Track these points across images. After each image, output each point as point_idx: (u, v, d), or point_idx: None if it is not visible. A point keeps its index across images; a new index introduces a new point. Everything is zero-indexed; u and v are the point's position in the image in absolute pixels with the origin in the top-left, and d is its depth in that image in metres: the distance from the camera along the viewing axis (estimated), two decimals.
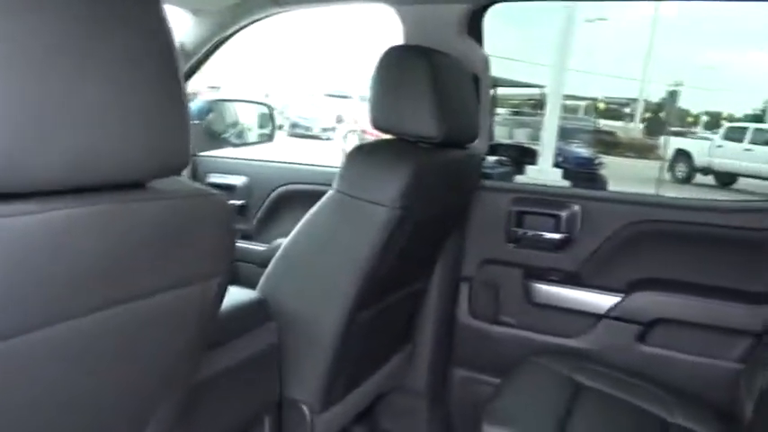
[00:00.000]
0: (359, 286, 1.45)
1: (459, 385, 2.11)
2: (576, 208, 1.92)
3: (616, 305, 1.85)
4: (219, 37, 2.24)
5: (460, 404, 2.11)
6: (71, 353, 0.69)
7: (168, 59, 0.70)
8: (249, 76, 24.17)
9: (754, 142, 14.66)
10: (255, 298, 1.36)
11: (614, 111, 25.81)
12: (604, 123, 21.76)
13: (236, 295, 1.31)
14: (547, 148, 10.14)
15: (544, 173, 9.28)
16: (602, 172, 11.56)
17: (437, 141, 1.51)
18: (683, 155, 15.75)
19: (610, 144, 18.89)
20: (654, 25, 20.13)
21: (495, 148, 8.01)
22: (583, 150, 12.32)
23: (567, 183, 8.32)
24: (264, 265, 1.57)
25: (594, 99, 18.43)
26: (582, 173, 10.71)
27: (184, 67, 2.24)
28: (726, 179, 15.21)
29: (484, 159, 2.01)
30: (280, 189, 2.41)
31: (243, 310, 1.30)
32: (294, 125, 20.03)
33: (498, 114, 13.82)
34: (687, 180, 15.55)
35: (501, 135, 12.55)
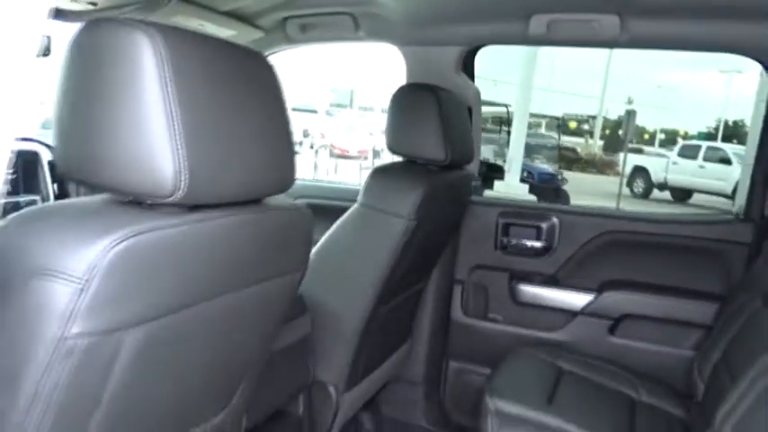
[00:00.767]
0: (380, 285, 1.72)
1: (453, 376, 2.38)
2: (555, 220, 2.23)
3: (590, 303, 2.16)
4: None
5: (454, 393, 2.39)
6: (214, 322, 0.95)
7: (281, 107, 0.97)
8: None
9: (707, 159, 15.40)
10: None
11: (574, 128, 26.66)
12: (565, 140, 22.47)
13: None
14: (514, 163, 10.53)
15: (512, 188, 9.64)
16: (565, 187, 12.02)
17: (443, 164, 1.80)
18: (640, 171, 16.40)
19: (571, 160, 19.54)
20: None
21: None
22: (546, 166, 12.79)
23: (533, 197, 8.71)
24: None
25: (557, 118, 19.07)
26: (546, 188, 11.15)
27: None
28: (681, 195, 15.91)
29: (475, 178, 2.30)
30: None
31: None
32: None
33: None
34: (645, 195, 16.19)
35: None
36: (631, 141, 15.49)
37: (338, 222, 1.77)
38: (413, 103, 1.77)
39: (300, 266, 1.12)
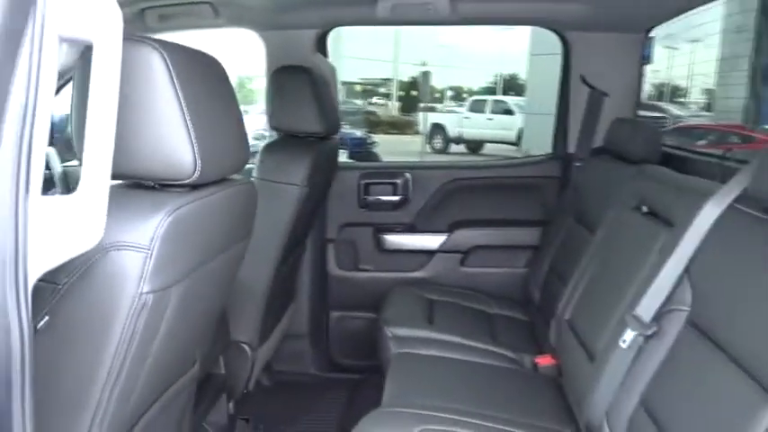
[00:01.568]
0: (281, 248, 1.95)
1: (335, 324, 2.68)
2: (408, 176, 2.60)
3: (444, 242, 2.57)
4: None
5: (337, 339, 2.69)
6: (220, 274, 1.16)
7: (236, 100, 1.18)
8: None
9: (494, 112, 17.12)
10: None
11: (371, 92, 27.76)
12: (365, 103, 23.37)
13: None
14: None
15: None
16: (376, 150, 12.71)
17: (321, 135, 2.05)
18: (438, 128, 17.69)
19: (374, 123, 20.46)
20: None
21: None
22: (356, 131, 13.38)
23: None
24: None
25: (352, 83, 19.78)
26: (360, 152, 11.73)
27: None
28: (474, 146, 17.53)
29: (338, 146, 2.59)
30: None
31: None
32: None
33: None
34: (444, 150, 17.56)
35: None
36: (428, 100, 16.64)
37: None
38: (290, 83, 1.99)
39: (250, 233, 1.34)
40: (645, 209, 1.61)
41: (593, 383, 1.42)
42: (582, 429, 1.49)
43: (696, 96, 25.55)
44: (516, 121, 15.85)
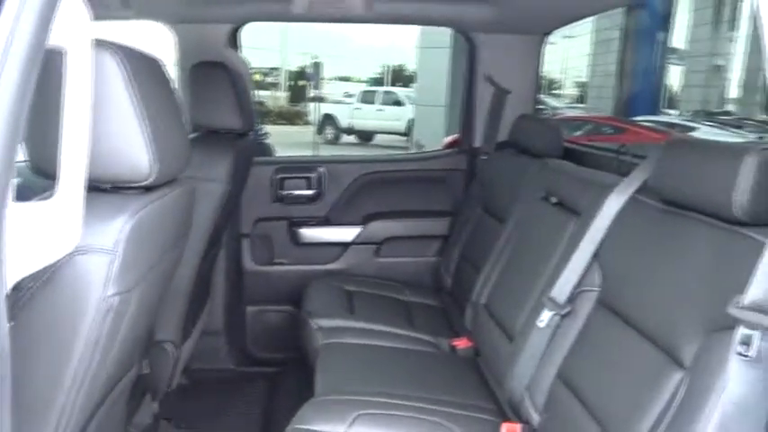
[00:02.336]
0: (205, 244, 1.94)
1: (251, 319, 2.69)
2: (323, 169, 2.64)
3: (359, 234, 2.65)
4: None
5: (254, 334, 2.70)
6: (163, 279, 1.16)
7: (176, 101, 1.19)
8: None
9: (383, 103, 17.39)
10: None
11: (258, 82, 27.27)
12: (254, 93, 22.87)
13: None
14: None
15: None
16: (268, 141, 12.52)
17: (241, 131, 2.06)
18: (329, 119, 17.73)
19: (263, 114, 20.11)
20: None
21: None
22: None
23: None
24: None
25: None
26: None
27: None
28: (365, 136, 17.73)
29: (255, 141, 2.58)
30: None
31: None
32: None
33: None
34: (335, 141, 17.63)
35: None
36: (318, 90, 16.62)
37: None
38: (209, 79, 1.98)
39: (189, 231, 1.35)
40: (554, 200, 1.77)
41: (514, 361, 1.56)
42: (503, 404, 1.63)
43: (570, 89, 27.25)
44: (406, 112, 16.21)
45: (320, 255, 2.66)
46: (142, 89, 0.99)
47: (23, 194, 0.76)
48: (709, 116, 18.04)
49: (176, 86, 1.98)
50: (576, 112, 17.82)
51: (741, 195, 1.03)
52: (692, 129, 12.38)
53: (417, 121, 13.74)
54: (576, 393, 1.33)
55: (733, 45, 25.55)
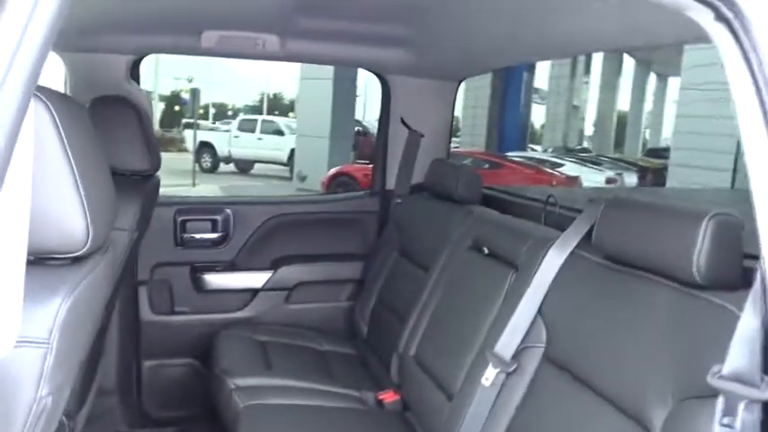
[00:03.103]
0: (111, 293, 1.73)
1: (148, 375, 2.44)
2: (229, 211, 2.49)
3: (268, 279, 2.50)
4: None
5: (152, 390, 2.45)
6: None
7: (100, 149, 1.04)
8: None
9: (263, 132, 17.11)
10: None
11: None
12: None
13: None
14: None
15: None
16: None
17: (148, 173, 1.88)
18: (206, 146, 17.17)
19: None
20: None
21: None
22: None
23: None
24: None
25: None
26: None
27: None
28: (245, 166, 17.33)
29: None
30: None
31: None
32: None
33: None
34: (213, 169, 17.07)
35: None
36: (191, 117, 16.05)
37: None
38: (113, 117, 1.79)
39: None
40: (486, 250, 1.75)
41: (456, 421, 1.50)
42: None
43: None
44: (287, 141, 16.05)
45: (226, 302, 2.49)
46: (75, 141, 0.84)
47: None
48: (570, 152, 19.53)
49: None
50: (452, 146, 18.50)
51: (701, 259, 1.05)
52: (560, 165, 13.30)
53: (299, 151, 13.62)
54: None
55: (587, 89, 27.97)
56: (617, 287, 1.26)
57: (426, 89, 2.46)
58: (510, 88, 19.66)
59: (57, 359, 0.75)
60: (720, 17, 0.80)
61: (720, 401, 0.90)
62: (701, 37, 0.86)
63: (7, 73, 0.60)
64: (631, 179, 14.53)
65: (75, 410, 1.74)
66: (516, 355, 1.42)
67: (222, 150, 17.25)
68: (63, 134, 0.81)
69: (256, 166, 17.39)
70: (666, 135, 30.47)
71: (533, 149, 20.65)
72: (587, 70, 27.02)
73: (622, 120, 29.13)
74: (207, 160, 17.18)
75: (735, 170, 12.02)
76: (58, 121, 0.81)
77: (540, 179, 10.58)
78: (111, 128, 1.79)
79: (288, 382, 1.95)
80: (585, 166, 14.28)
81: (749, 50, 0.78)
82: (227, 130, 18.29)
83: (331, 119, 12.61)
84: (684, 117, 13.58)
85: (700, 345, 1.02)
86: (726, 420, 0.89)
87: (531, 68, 20.91)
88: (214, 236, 2.48)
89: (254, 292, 2.51)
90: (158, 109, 27.40)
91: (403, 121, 2.49)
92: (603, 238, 1.30)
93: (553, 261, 1.44)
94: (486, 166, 10.32)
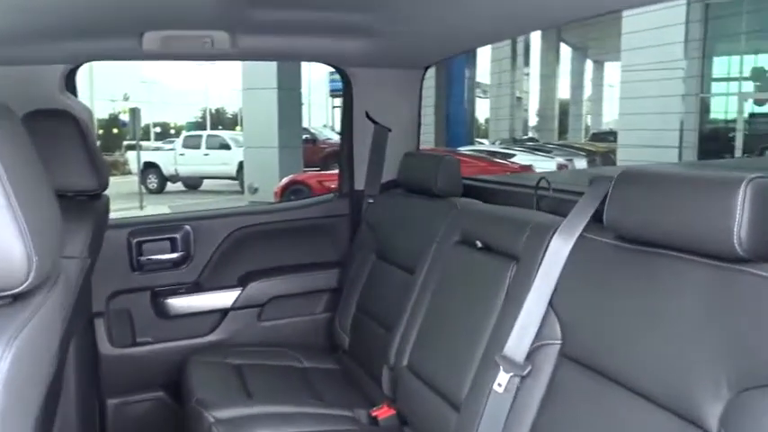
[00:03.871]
0: (64, 331, 1.52)
1: (113, 414, 2.22)
2: (188, 227, 2.28)
3: (237, 298, 2.31)
4: None
5: (117, 430, 2.23)
6: None
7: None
8: None
9: (209, 147, 16.68)
10: None
11: None
12: None
13: None
14: None
15: None
16: None
17: (95, 193, 1.67)
18: (151, 167, 16.60)
19: None
20: None
21: None
22: None
23: None
24: None
25: None
26: None
27: None
28: (193, 182, 16.85)
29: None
30: None
31: None
32: None
33: None
34: (160, 190, 16.53)
35: None
36: (133, 138, 15.50)
37: None
38: (51, 131, 1.58)
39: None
40: (479, 244, 1.62)
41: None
42: None
43: None
44: (235, 155, 15.68)
45: (193, 327, 2.29)
46: (5, 154, 0.68)
47: None
48: (518, 143, 19.74)
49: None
50: None
51: (742, 229, 0.93)
52: (511, 155, 13.38)
53: (248, 163, 13.31)
54: None
55: (528, 80, 28.44)
56: (639, 270, 1.13)
57: (390, 79, 2.32)
58: (453, 85, 19.76)
59: (3, 424, 0.58)
60: None
61: None
62: None
63: None
64: (581, 163, 14.74)
65: None
66: (529, 356, 1.29)
67: (168, 170, 16.73)
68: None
69: (205, 182, 16.95)
70: (607, 120, 31.31)
71: (481, 143, 20.79)
72: (527, 62, 27.47)
73: (564, 107, 29.73)
74: (153, 181, 16.64)
75: (681, 146, 12.33)
76: None
77: (495, 170, 10.56)
78: (50, 144, 1.58)
79: (272, 409, 1.77)
80: (535, 154, 14.41)
81: None
82: (171, 149, 17.75)
83: (278, 128, 12.37)
84: (628, 99, 13.87)
85: (754, 326, 0.91)
86: None
87: (472, 64, 21.09)
88: (174, 256, 2.27)
89: (223, 313, 2.31)
90: (96, 132, 26.54)
91: (368, 116, 2.34)
92: (617, 218, 1.18)
93: (560, 248, 1.32)
94: None
